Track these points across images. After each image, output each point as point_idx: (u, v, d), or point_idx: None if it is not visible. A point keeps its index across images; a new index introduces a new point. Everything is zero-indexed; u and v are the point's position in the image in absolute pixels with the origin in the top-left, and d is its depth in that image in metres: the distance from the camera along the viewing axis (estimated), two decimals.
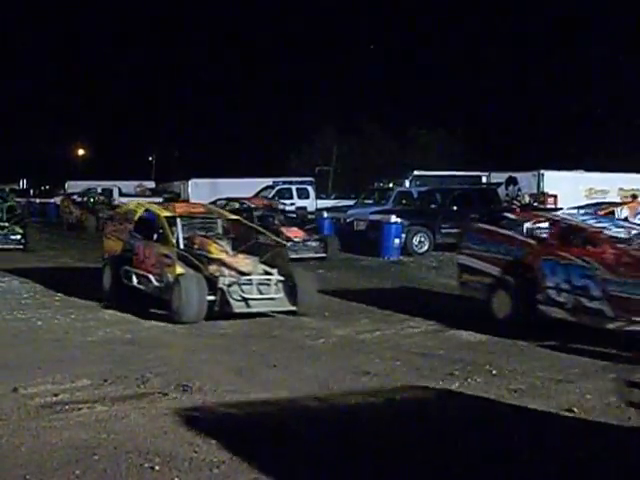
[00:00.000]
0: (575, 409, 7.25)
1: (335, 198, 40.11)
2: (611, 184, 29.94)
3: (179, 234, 12.85)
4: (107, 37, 75.15)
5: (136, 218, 14.18)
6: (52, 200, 42.91)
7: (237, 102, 64.88)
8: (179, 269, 11.87)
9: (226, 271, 12.06)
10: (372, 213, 24.89)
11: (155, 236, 13.57)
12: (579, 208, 21.87)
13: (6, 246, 22.29)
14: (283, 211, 27.16)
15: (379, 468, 5.76)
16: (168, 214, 13.32)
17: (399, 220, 21.92)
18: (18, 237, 22.81)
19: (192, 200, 37.51)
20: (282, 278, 12.12)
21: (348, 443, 6.27)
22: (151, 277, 12.57)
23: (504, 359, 9.36)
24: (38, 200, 45.85)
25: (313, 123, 57.01)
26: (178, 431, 6.50)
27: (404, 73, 60.13)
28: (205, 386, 7.82)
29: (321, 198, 37.76)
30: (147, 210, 14.36)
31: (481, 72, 55.93)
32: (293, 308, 11.95)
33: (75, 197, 37.35)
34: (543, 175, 29.45)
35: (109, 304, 12.90)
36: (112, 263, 13.79)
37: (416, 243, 22.49)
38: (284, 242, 14.07)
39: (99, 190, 42.01)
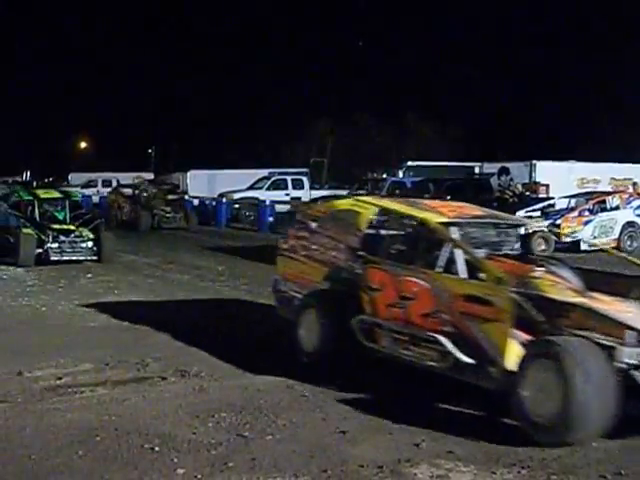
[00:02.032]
0: None
1: (329, 188, 40.46)
2: (602, 174, 30.05)
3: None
4: (108, 32, 75.06)
5: (364, 226, 8.40)
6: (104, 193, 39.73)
7: (233, 96, 64.95)
8: (512, 337, 6.43)
9: (624, 333, 6.25)
10: None
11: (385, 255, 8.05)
12: (571, 197, 22.10)
13: (75, 257, 17.11)
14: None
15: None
16: (442, 219, 7.78)
17: None
18: (89, 244, 17.35)
19: (191, 192, 37.44)
20: None
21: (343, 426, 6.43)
22: (443, 340, 6.94)
23: None
24: None
25: (308, 115, 57.23)
26: (177, 414, 6.67)
27: (399, 64, 60.18)
28: (202, 371, 7.99)
29: (315, 189, 38.02)
30: (384, 211, 8.64)
31: (475, 64, 56.05)
32: None
33: (125, 190, 32.75)
34: (535, 165, 29.51)
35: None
36: (329, 306, 8.04)
37: None
38: None
39: (106, 182, 40.72)
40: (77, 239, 17.32)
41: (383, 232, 8.63)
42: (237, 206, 32.56)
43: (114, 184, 43.24)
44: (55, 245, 17.02)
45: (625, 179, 29.26)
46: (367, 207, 8.69)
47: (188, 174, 41.85)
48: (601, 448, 6.01)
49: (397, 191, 28.23)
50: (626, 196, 21.81)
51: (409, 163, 36.21)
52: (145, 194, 30.72)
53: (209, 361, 8.47)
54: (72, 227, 17.64)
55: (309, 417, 6.68)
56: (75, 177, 51.41)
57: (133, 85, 70.81)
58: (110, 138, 69.73)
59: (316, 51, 62.37)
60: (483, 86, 54.25)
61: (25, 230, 16.94)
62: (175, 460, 5.62)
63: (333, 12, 66.73)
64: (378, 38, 62.77)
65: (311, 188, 37.10)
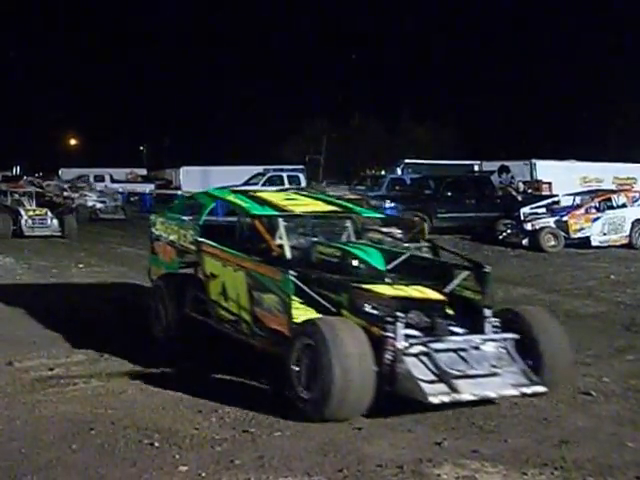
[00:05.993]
0: (593, 392, 6.97)
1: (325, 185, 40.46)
2: (603, 173, 30.59)
3: None
4: (102, 29, 75.34)
5: None
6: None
7: (228, 92, 65.04)
8: None
9: None
10: None
11: None
12: (575, 195, 22.21)
13: (485, 392, 6.08)
14: None
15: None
16: None
17: (394, 205, 22.24)
18: (496, 349, 6.33)
19: (184, 188, 36.94)
20: None
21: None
22: None
23: None
24: None
25: (304, 112, 57.43)
26: (177, 408, 6.33)
27: (396, 63, 60.35)
28: (205, 362, 7.61)
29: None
30: None
31: (472, 63, 56.18)
32: None
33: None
34: (535, 164, 30.11)
35: None
36: None
37: None
38: None
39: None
40: (475, 342, 6.37)
41: None
42: None
43: (107, 179, 42.69)
44: (413, 358, 6.08)
45: (628, 178, 29.93)
46: None
47: (181, 170, 41.73)
48: (638, 449, 5.63)
49: (397, 187, 28.41)
50: (632, 194, 22.11)
51: (407, 160, 36.40)
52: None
53: (212, 352, 8.05)
54: (431, 294, 6.76)
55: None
56: (66, 172, 51.16)
57: (124, 80, 70.93)
58: (100, 133, 69.79)
59: (313, 50, 62.63)
60: (482, 86, 54.37)
61: (305, 310, 6.64)
62: (177, 457, 5.26)
63: (330, 14, 67.09)
64: (376, 37, 62.98)
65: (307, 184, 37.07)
